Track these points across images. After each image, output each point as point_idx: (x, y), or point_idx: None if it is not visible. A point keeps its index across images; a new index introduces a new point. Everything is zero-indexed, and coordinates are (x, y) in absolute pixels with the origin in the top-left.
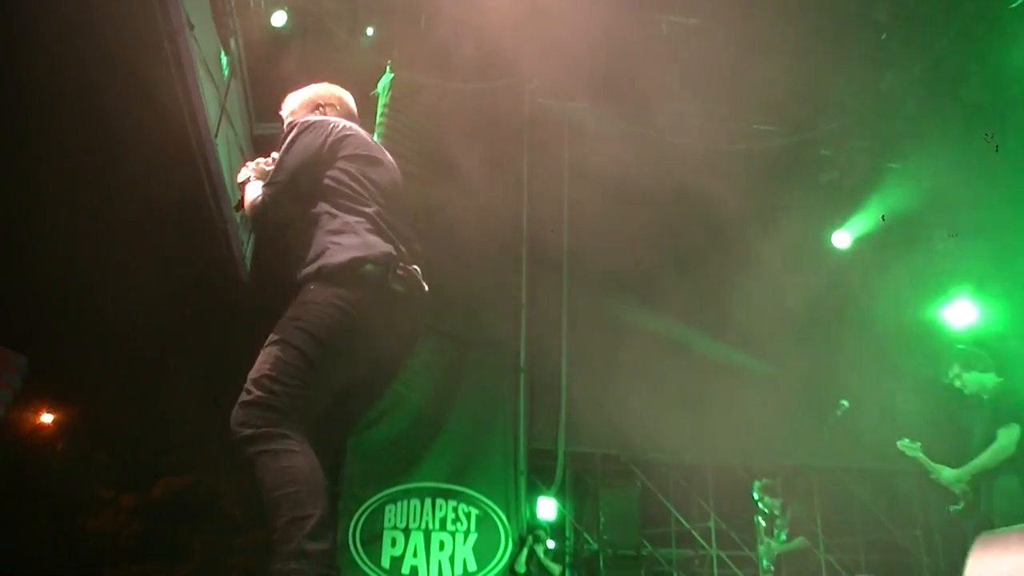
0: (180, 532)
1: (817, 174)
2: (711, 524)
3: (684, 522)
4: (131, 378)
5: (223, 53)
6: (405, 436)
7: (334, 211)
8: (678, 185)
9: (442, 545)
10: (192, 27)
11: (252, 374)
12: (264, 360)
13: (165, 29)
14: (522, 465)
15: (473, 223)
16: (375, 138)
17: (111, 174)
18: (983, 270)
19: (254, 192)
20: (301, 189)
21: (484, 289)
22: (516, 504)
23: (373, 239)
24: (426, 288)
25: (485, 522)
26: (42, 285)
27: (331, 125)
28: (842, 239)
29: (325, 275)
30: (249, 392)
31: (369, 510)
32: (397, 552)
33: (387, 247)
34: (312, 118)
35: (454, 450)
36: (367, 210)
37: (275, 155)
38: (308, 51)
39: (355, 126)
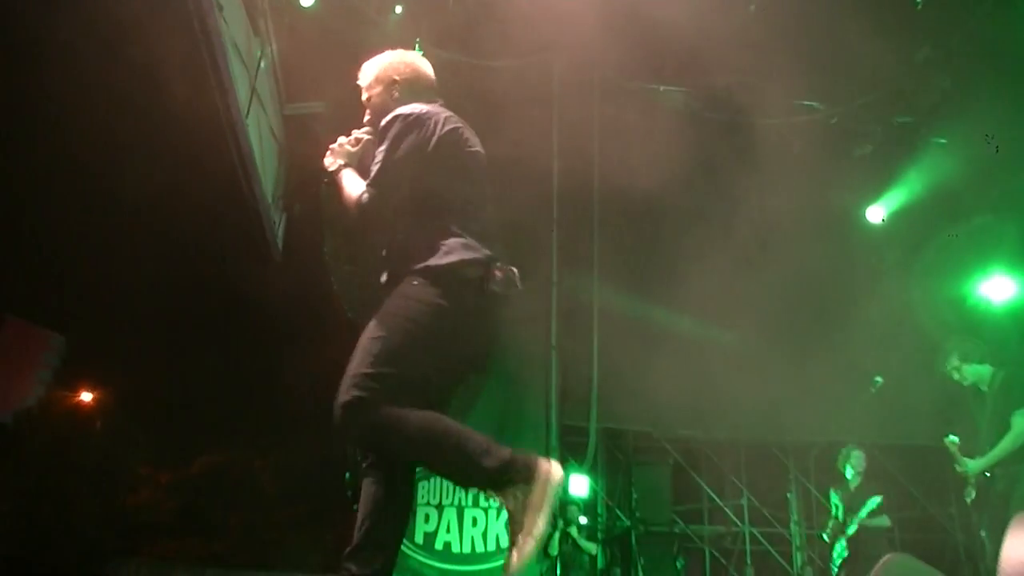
0: (216, 508)
1: (851, 148)
2: (743, 501)
3: (716, 499)
4: (167, 357)
5: (253, 34)
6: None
7: (439, 211)
8: (710, 160)
9: (475, 521)
10: (221, 8)
11: (353, 368)
12: (365, 354)
13: (195, 10)
14: (554, 441)
15: (503, 202)
16: None
17: (145, 157)
18: (1021, 245)
19: (355, 188)
20: (405, 191)
21: (515, 266)
22: None
23: (475, 242)
24: (520, 286)
25: None
26: (79, 266)
27: (435, 123)
28: (876, 214)
29: (430, 274)
30: (350, 392)
31: None
32: (430, 528)
33: (487, 250)
34: (415, 110)
35: (487, 426)
36: (469, 210)
37: (357, 133)
38: (337, 31)
39: (452, 114)
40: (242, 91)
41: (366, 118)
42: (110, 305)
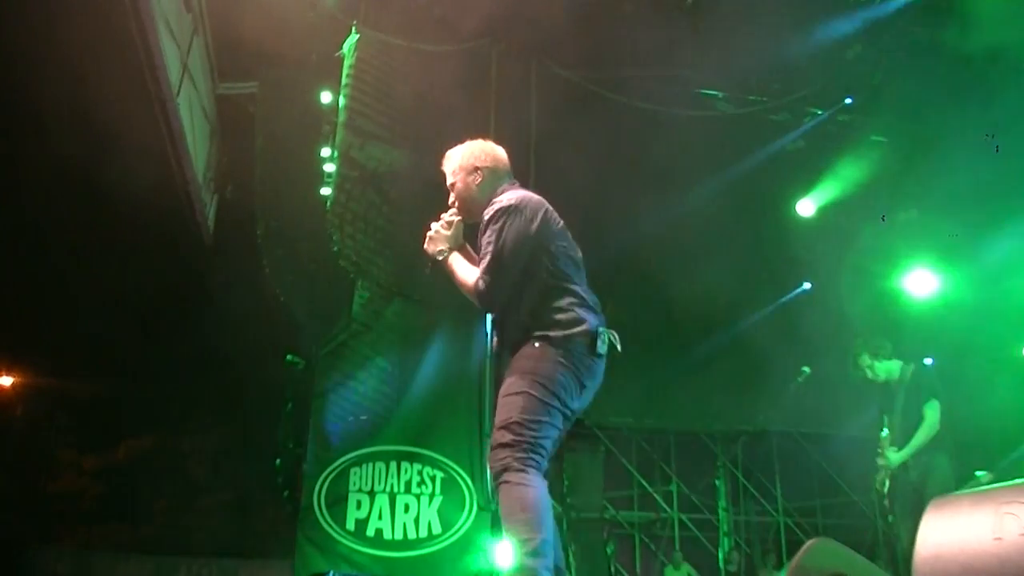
0: (143, 493)
1: (783, 143)
2: (673, 488)
3: (647, 486)
4: (91, 340)
5: (185, 10)
6: (371, 400)
7: (549, 287)
8: (643, 152)
9: (407, 508)
10: None
11: (501, 420)
12: (511, 407)
13: None
14: (487, 429)
15: (439, 186)
16: (341, 100)
17: (68, 136)
18: (944, 241)
19: (469, 275)
20: (516, 275)
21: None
22: (481, 468)
23: (586, 313)
24: (619, 348)
25: (450, 485)
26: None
27: (535, 209)
28: (806, 208)
29: (551, 340)
30: (503, 435)
31: (334, 473)
32: (362, 515)
33: (596, 320)
34: (512, 200)
35: (420, 414)
36: (575, 286)
37: (447, 217)
38: (273, 10)
39: (543, 201)
40: (173, 68)
41: (451, 200)
42: (29, 287)
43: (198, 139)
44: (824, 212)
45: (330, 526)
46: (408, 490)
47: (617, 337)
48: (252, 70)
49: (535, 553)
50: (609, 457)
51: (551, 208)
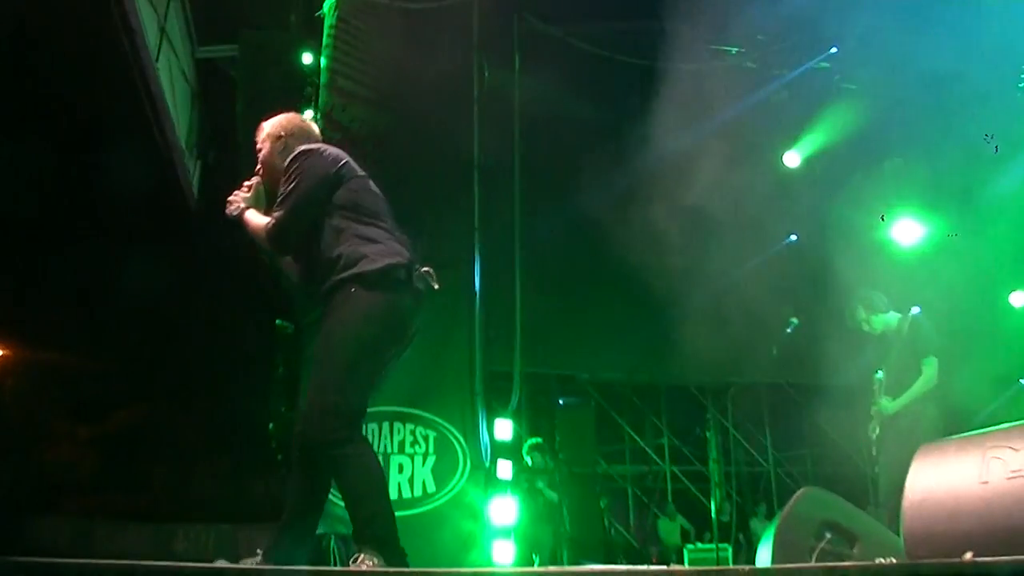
0: (139, 462)
1: (768, 93)
2: (664, 441)
3: (638, 439)
4: (80, 309)
5: None
6: None
7: (355, 224)
8: (629, 105)
9: (401, 468)
10: None
11: (317, 381)
12: (328, 367)
13: None
14: (479, 387)
15: (424, 145)
16: (322, 61)
17: (47, 104)
18: (928, 189)
19: (260, 221)
20: (313, 210)
21: (436, 212)
22: (474, 426)
23: (397, 247)
24: (436, 286)
25: (443, 444)
26: None
27: (331, 152)
28: (792, 159)
29: (365, 280)
30: (317, 401)
31: None
32: None
33: (408, 253)
34: (311, 145)
35: (411, 374)
36: (381, 223)
37: (248, 183)
38: None
39: (344, 153)
40: (151, 32)
41: (256, 168)
42: (18, 258)
43: (179, 104)
44: (810, 163)
45: None
46: (402, 450)
47: (433, 275)
48: (232, 32)
49: (385, 525)
50: (601, 412)
51: (352, 160)
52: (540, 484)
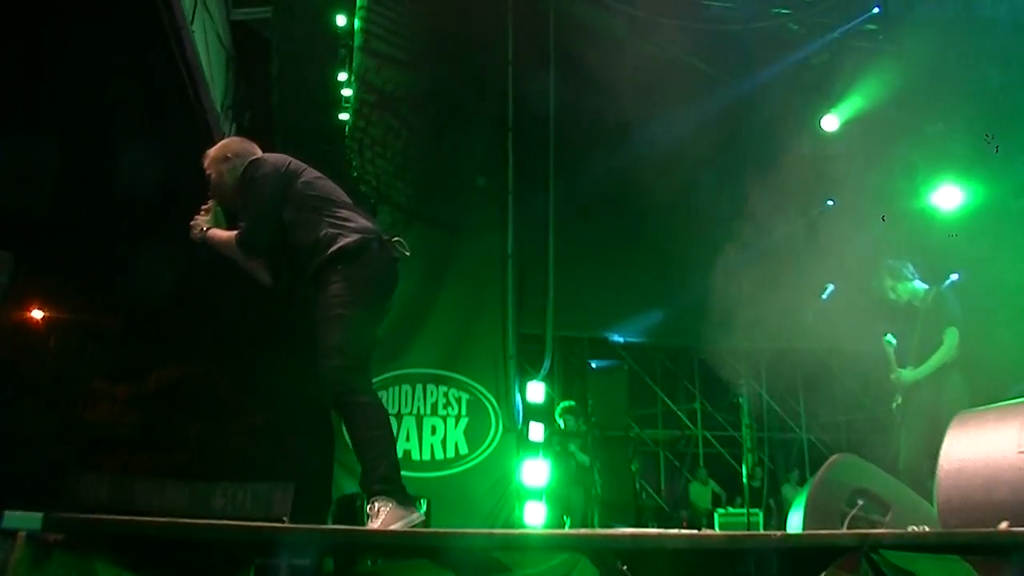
0: (177, 420)
1: (810, 55)
2: (696, 406)
3: (671, 403)
4: (119, 272)
5: None
6: (394, 324)
7: (322, 211)
8: (666, 67)
9: (434, 429)
10: None
11: (325, 345)
12: (331, 331)
13: None
14: (511, 350)
15: (457, 108)
16: (356, 22)
17: (85, 68)
18: (968, 154)
19: (226, 233)
20: (276, 209)
21: (470, 176)
22: (506, 388)
23: (364, 222)
24: (408, 253)
25: (475, 406)
26: (24, 180)
27: (274, 157)
28: (830, 123)
29: (346, 254)
30: (331, 358)
31: None
32: None
33: (375, 226)
34: (255, 157)
35: (444, 336)
36: (344, 205)
37: (205, 207)
38: None
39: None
40: None
41: (208, 193)
42: (57, 220)
43: (214, 67)
44: (849, 127)
45: None
46: (435, 412)
47: (404, 244)
48: None
49: (395, 467)
50: (633, 376)
51: (295, 160)
52: (572, 447)
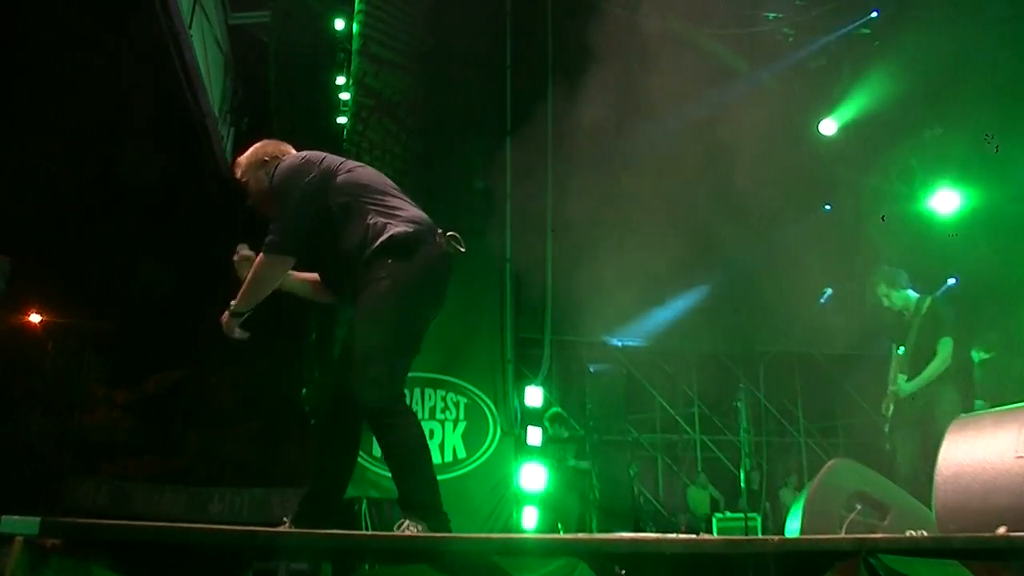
0: (174, 425)
1: (806, 60)
2: (695, 410)
3: (668, 408)
4: (116, 276)
5: None
6: None
7: (370, 201)
8: (665, 70)
9: (432, 434)
10: None
11: (364, 348)
12: (371, 335)
13: None
14: (509, 354)
15: (456, 111)
16: (355, 26)
17: (84, 74)
18: (965, 157)
19: (255, 261)
20: (312, 206)
21: (468, 179)
22: (504, 392)
23: (417, 212)
24: (463, 249)
25: (474, 411)
26: (22, 187)
27: (308, 153)
28: (828, 127)
29: (397, 245)
30: (368, 367)
31: None
32: None
33: (429, 219)
34: (287, 159)
35: (442, 341)
36: (395, 194)
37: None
38: None
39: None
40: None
41: (247, 201)
42: (55, 226)
43: (212, 71)
44: (847, 131)
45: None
46: (433, 416)
47: (459, 239)
48: None
49: (434, 488)
50: (631, 380)
51: (333, 155)
52: (569, 457)
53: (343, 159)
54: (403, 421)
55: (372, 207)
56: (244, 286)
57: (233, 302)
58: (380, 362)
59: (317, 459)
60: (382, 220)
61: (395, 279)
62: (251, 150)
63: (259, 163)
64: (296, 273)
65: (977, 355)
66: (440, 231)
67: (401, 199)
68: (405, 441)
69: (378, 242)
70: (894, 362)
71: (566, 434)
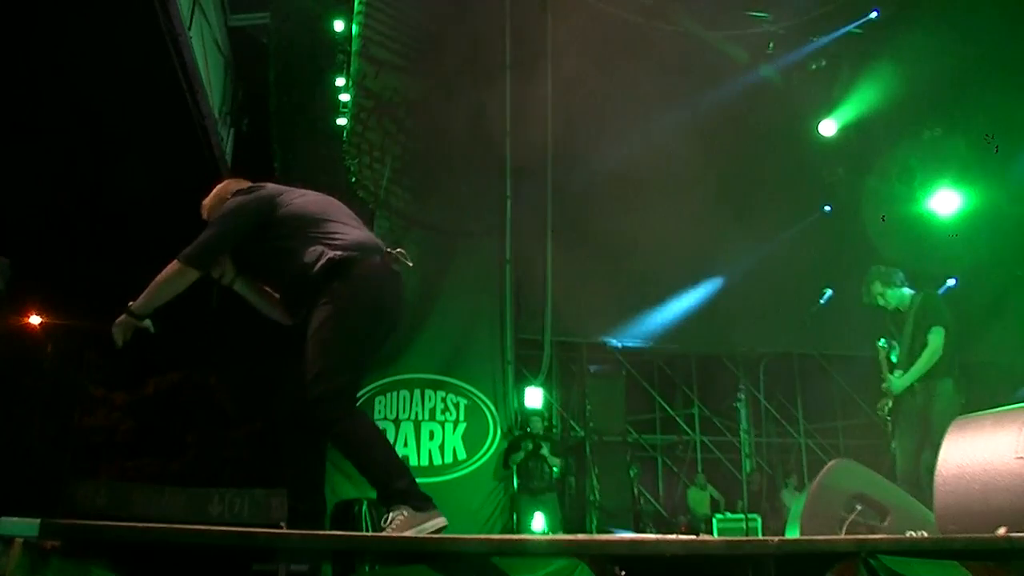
0: (173, 427)
1: (805, 61)
2: (695, 410)
3: (668, 409)
4: (116, 277)
5: None
6: None
7: (312, 229)
8: (664, 72)
9: (432, 435)
10: None
11: (311, 370)
12: (315, 356)
13: None
14: (509, 355)
15: (455, 113)
16: (354, 28)
17: (81, 76)
18: (965, 158)
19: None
20: (234, 239)
21: (469, 182)
22: (504, 394)
23: (359, 234)
24: (411, 264)
25: (474, 412)
26: (22, 187)
27: (259, 187)
28: (828, 128)
29: (340, 268)
30: (313, 385)
31: (360, 402)
32: None
33: (374, 238)
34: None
35: (442, 342)
36: (338, 220)
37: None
38: None
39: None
40: (184, 1)
41: None
42: (56, 226)
43: (212, 73)
44: (846, 132)
45: None
46: (433, 417)
47: (405, 255)
48: (264, 0)
49: (400, 473)
50: (631, 381)
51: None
52: (545, 451)
53: (287, 190)
54: (353, 424)
55: (312, 235)
56: (148, 288)
57: (132, 302)
58: (326, 380)
59: (285, 468)
60: (319, 248)
61: (335, 301)
62: (213, 191)
63: (220, 202)
64: (270, 291)
65: None
66: (387, 250)
67: (340, 223)
68: (363, 440)
69: (317, 267)
70: (882, 361)
71: (540, 430)
